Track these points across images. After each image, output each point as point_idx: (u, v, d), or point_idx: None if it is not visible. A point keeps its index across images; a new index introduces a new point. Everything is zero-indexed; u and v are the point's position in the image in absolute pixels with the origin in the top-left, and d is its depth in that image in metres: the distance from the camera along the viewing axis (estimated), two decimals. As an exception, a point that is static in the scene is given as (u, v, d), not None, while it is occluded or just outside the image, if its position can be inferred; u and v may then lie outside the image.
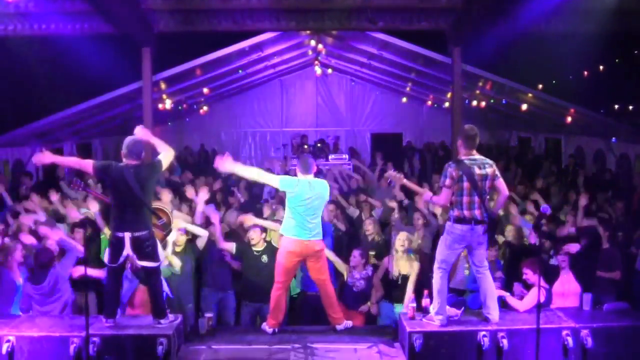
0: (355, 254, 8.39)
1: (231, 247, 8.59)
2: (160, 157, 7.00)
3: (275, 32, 14.03)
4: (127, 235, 6.69)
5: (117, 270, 6.95)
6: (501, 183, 6.86)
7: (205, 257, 8.79)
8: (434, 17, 12.28)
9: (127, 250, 6.70)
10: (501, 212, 9.22)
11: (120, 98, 14.84)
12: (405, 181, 7.51)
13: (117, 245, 6.76)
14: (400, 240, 8.38)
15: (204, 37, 14.13)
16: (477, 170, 6.70)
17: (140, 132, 7.01)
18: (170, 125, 22.34)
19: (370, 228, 9.80)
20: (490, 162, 6.85)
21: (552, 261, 8.62)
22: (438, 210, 9.84)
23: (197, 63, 14.58)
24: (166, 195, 9.88)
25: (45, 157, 6.93)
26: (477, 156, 6.82)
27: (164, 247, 8.08)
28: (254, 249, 8.54)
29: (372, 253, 9.10)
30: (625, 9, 10.94)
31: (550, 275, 7.87)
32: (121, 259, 6.76)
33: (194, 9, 11.90)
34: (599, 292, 7.79)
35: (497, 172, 6.84)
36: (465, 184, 6.69)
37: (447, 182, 6.72)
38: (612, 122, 14.90)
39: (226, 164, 7.28)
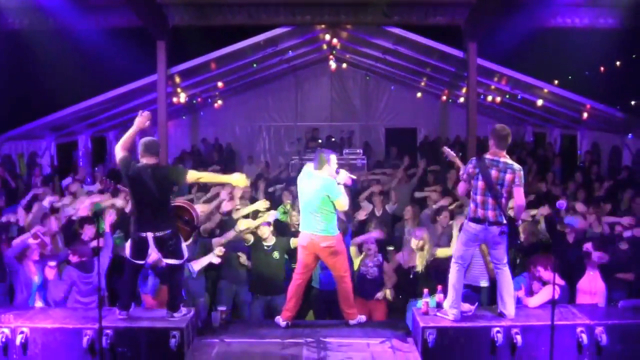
0: (370, 243, 8.52)
1: (250, 237, 8.62)
2: (191, 170, 6.96)
3: (290, 26, 13.98)
4: (150, 236, 6.70)
5: (137, 267, 6.97)
6: (518, 192, 6.69)
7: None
8: (449, 12, 12.24)
9: (152, 249, 6.70)
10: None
11: (135, 91, 14.88)
12: (457, 159, 7.58)
13: (140, 244, 6.77)
14: (421, 240, 8.39)
15: (219, 31, 14.14)
16: (494, 172, 6.65)
17: (145, 116, 6.88)
18: (184, 119, 22.38)
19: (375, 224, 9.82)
20: (517, 168, 6.71)
21: (622, 245, 8.50)
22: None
23: (212, 57, 14.56)
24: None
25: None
26: (503, 159, 6.73)
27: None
28: (264, 244, 8.56)
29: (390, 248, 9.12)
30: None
31: (574, 271, 7.84)
32: (148, 260, 6.75)
33: (209, 2, 11.93)
34: (612, 290, 7.73)
35: (518, 180, 6.67)
36: (480, 183, 6.68)
37: (464, 176, 6.85)
38: (629, 118, 14.73)
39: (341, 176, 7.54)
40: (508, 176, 6.66)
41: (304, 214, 7.50)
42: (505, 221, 6.70)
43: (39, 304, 7.66)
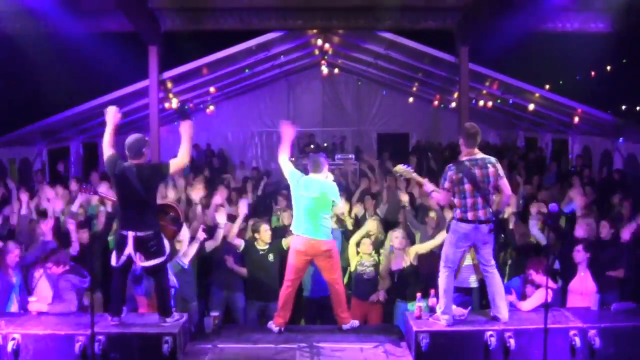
0: (367, 242, 8.59)
1: (240, 243, 8.62)
2: (171, 160, 6.90)
3: (282, 30, 14.00)
4: (131, 234, 6.66)
5: (122, 269, 6.93)
6: (504, 183, 6.75)
7: (214, 256, 8.77)
8: (441, 16, 12.30)
9: (129, 249, 6.67)
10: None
11: (127, 97, 14.85)
12: (414, 175, 7.34)
13: (121, 244, 6.75)
14: (396, 237, 8.49)
15: (211, 36, 14.15)
16: (478, 171, 6.65)
17: (110, 112, 6.90)
18: (176, 125, 22.29)
19: (373, 227, 9.81)
20: (493, 160, 6.76)
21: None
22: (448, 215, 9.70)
23: (204, 62, 14.58)
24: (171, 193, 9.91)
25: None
26: (479, 155, 6.74)
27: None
28: (258, 247, 8.55)
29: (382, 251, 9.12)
30: (634, 8, 10.88)
31: (566, 273, 7.84)
32: (123, 258, 6.73)
33: (201, 7, 11.94)
34: (606, 291, 7.73)
35: (500, 172, 6.74)
36: (467, 186, 6.62)
37: (446, 184, 6.69)
38: (620, 122, 14.82)
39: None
40: (491, 170, 6.66)
41: (304, 218, 7.36)
42: (493, 218, 6.72)
43: (15, 308, 7.57)
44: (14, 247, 7.65)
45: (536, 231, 8.78)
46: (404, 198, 10.08)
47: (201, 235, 8.16)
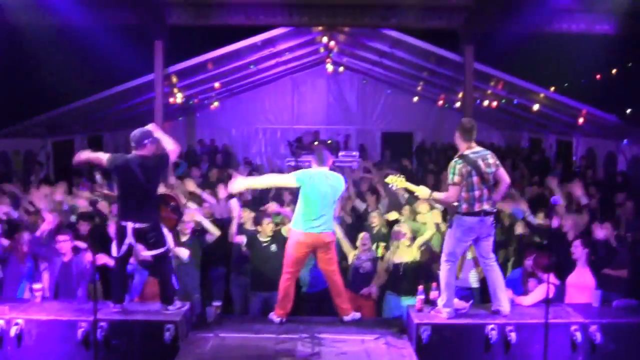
0: (365, 236, 8.67)
1: (242, 239, 8.68)
2: (168, 152, 7.04)
3: (288, 27, 14.02)
4: (130, 225, 6.74)
5: (122, 259, 6.99)
6: (502, 172, 6.85)
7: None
8: (446, 15, 12.28)
9: (130, 239, 6.77)
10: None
11: (132, 90, 14.90)
12: (407, 184, 7.09)
13: (121, 234, 6.82)
14: (404, 232, 8.55)
15: (217, 31, 14.17)
16: (482, 163, 6.70)
17: (151, 127, 7.08)
18: (180, 120, 22.39)
19: (375, 220, 9.86)
20: (489, 152, 6.88)
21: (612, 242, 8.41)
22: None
23: (209, 57, 14.60)
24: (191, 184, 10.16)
25: (82, 155, 7.09)
26: (478, 148, 6.83)
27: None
28: (261, 238, 8.60)
29: (382, 244, 9.12)
30: (639, 11, 10.88)
31: (565, 268, 7.86)
32: (124, 248, 6.81)
33: (207, 2, 11.96)
34: (608, 290, 7.74)
35: (497, 162, 6.84)
36: (475, 179, 6.67)
37: (457, 179, 6.65)
38: (624, 124, 14.80)
39: (237, 183, 7.46)
40: (491, 161, 6.76)
41: (311, 212, 7.29)
42: (495, 209, 6.79)
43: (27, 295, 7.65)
44: (26, 236, 7.72)
45: None
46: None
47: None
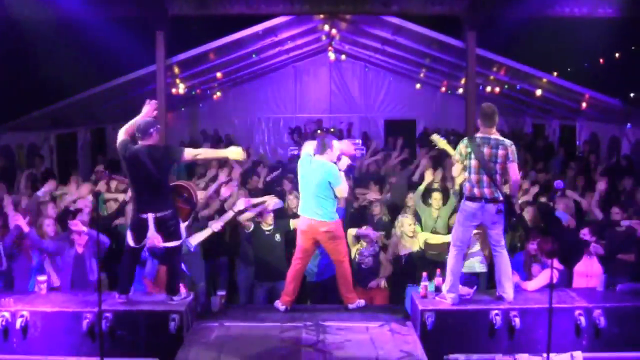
0: (369, 230, 8.61)
1: (250, 224, 8.68)
2: (187, 148, 7.03)
3: (289, 15, 13.97)
4: (151, 216, 6.72)
5: (136, 251, 6.99)
6: (513, 168, 6.79)
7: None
8: (448, 1, 12.21)
9: (152, 231, 6.74)
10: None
11: (134, 82, 14.86)
12: (447, 146, 7.64)
13: (140, 227, 6.79)
14: (406, 224, 8.58)
15: (218, 21, 14.13)
16: (487, 150, 6.70)
17: (151, 105, 7.03)
18: (183, 111, 22.37)
19: (377, 210, 9.87)
20: (507, 143, 6.80)
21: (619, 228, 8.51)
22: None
23: (211, 47, 14.56)
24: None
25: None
26: (494, 136, 6.82)
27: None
28: (264, 228, 8.59)
29: (382, 233, 9.12)
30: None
31: (573, 255, 7.86)
32: (145, 241, 6.82)
33: (208, -8, 11.91)
34: (614, 274, 7.74)
35: (512, 156, 6.76)
36: (473, 162, 6.77)
37: (456, 157, 6.98)
38: (628, 108, 14.74)
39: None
40: (501, 152, 6.73)
41: (303, 197, 7.54)
42: (502, 198, 6.75)
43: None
44: (33, 231, 7.74)
45: None
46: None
47: (216, 228, 8.20)
